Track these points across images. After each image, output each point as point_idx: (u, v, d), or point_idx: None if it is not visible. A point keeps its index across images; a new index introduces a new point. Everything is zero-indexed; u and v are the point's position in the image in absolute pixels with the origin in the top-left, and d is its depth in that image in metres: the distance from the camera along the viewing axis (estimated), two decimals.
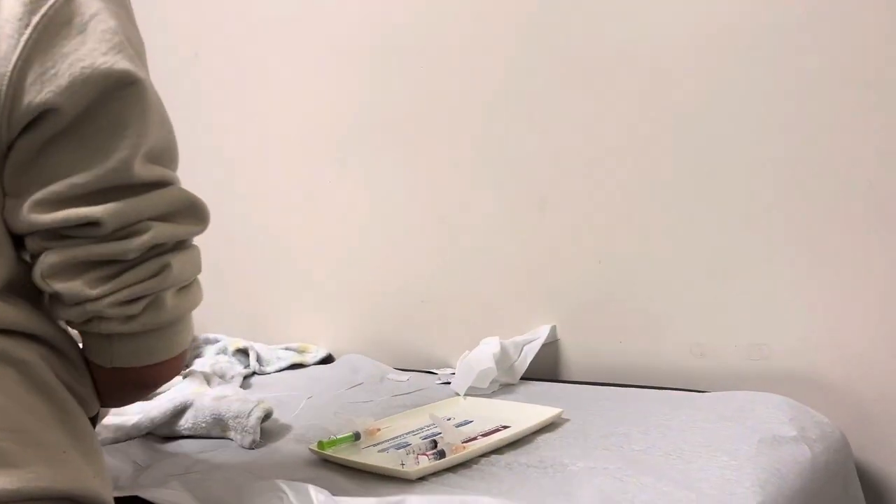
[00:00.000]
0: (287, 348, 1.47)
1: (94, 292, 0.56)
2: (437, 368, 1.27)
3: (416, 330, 1.36)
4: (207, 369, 1.33)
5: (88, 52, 0.55)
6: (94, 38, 0.56)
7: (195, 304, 0.63)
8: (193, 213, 0.61)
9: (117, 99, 0.56)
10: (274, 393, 1.17)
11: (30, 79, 0.54)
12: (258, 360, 1.41)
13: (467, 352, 1.13)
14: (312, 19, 1.45)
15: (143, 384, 0.64)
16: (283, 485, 0.65)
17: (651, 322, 1.08)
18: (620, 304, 1.10)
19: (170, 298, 0.59)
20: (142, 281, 0.57)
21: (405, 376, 1.23)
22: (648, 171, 1.06)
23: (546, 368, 1.16)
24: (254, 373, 1.39)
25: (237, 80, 1.59)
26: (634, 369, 1.08)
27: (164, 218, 0.58)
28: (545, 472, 0.73)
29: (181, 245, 0.60)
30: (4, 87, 0.53)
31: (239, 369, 1.37)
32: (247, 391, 1.18)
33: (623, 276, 1.10)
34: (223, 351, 1.43)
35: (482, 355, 1.07)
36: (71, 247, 0.56)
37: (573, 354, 1.16)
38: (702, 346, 1.04)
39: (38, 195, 0.55)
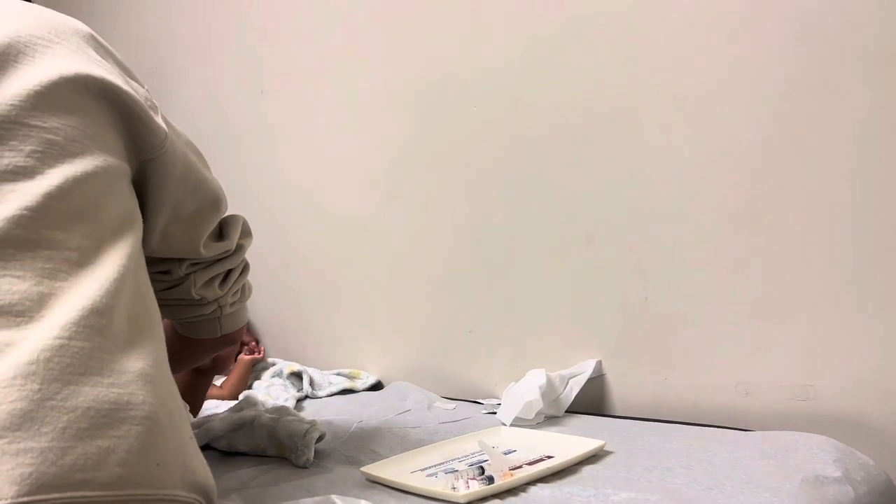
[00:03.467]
0: (339, 373, 1.52)
1: (223, 292, 0.92)
2: (483, 398, 1.30)
3: (462, 359, 1.39)
4: (263, 392, 1.39)
5: None
6: None
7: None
8: (247, 230, 0.94)
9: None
10: (326, 416, 1.21)
11: None
12: (311, 384, 1.46)
13: (513, 383, 1.16)
14: (366, 60, 1.52)
15: (233, 341, 1.00)
16: (338, 500, 0.69)
17: (696, 360, 1.09)
18: (666, 341, 1.12)
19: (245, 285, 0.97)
20: (237, 279, 0.93)
21: (452, 405, 1.26)
22: (694, 211, 1.09)
23: (591, 402, 1.17)
24: (306, 396, 1.44)
25: (297, 117, 1.66)
26: (679, 406, 1.10)
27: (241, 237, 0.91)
28: (588, 502, 0.75)
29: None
30: None
31: (293, 392, 1.42)
32: (300, 413, 1.22)
33: (669, 314, 1.12)
34: (279, 374, 1.49)
35: (528, 387, 1.10)
36: (208, 267, 0.89)
37: (618, 389, 1.17)
38: (746, 384, 1.05)
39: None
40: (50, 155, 0.60)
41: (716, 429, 1.00)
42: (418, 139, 1.44)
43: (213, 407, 1.31)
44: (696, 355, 1.09)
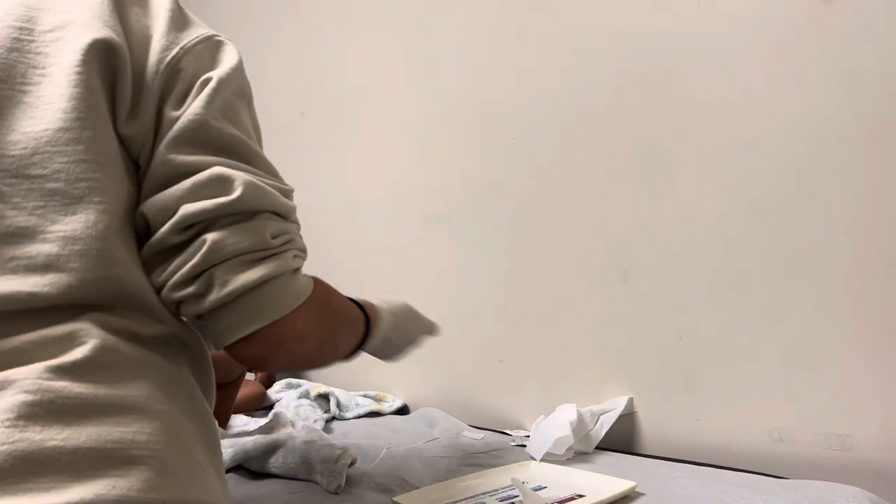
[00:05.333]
0: (365, 395, 1.53)
1: (157, 282, 0.61)
2: (511, 429, 1.30)
3: (490, 389, 1.39)
4: (291, 411, 1.40)
5: None
6: None
7: (271, 274, 0.61)
8: (227, 186, 0.60)
9: None
10: (354, 440, 1.22)
11: None
12: (338, 405, 1.47)
13: (542, 416, 1.16)
14: (408, 88, 1.54)
15: (245, 362, 0.66)
16: None
17: (729, 402, 1.08)
18: (699, 382, 1.12)
19: (222, 274, 0.59)
20: (187, 262, 0.59)
21: (479, 434, 1.26)
22: (732, 253, 1.08)
23: (621, 439, 1.17)
24: (333, 417, 1.45)
25: (336, 141, 1.69)
26: (711, 448, 1.09)
27: (197, 200, 0.59)
28: None
29: (219, 222, 0.60)
30: None
31: (320, 413, 1.43)
32: (329, 436, 1.23)
33: (703, 355, 1.11)
34: (305, 395, 1.50)
35: (559, 422, 1.10)
36: (145, 245, 0.61)
37: (648, 427, 1.17)
38: (780, 430, 1.04)
39: None
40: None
41: (748, 474, 0.99)
42: (456, 168, 1.45)
43: (243, 424, 1.32)
44: (730, 398, 1.08)
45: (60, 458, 0.50)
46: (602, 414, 1.15)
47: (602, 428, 1.13)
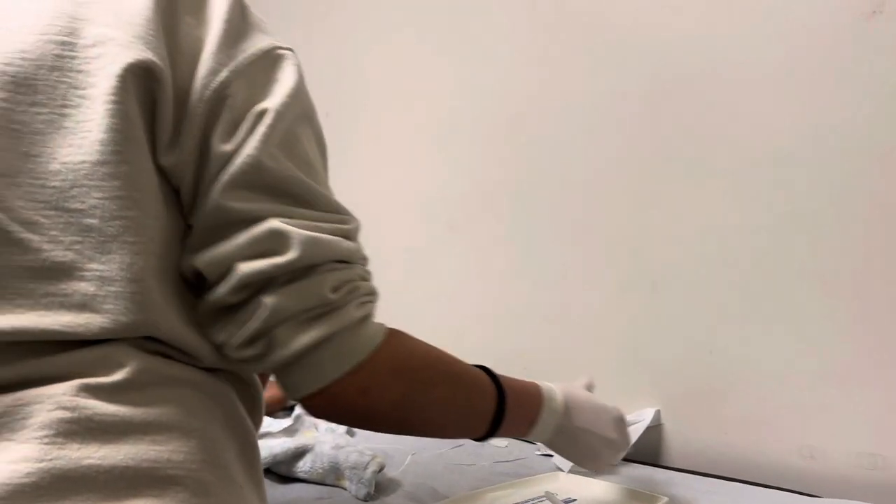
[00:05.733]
0: None
1: (218, 339, 0.59)
2: None
3: None
4: None
5: None
6: None
7: (331, 332, 0.59)
8: (284, 244, 0.57)
9: None
10: (377, 444, 1.22)
11: None
12: None
13: None
14: (433, 91, 1.53)
15: (313, 413, 0.64)
16: None
17: (759, 418, 1.08)
18: (728, 396, 1.11)
19: (283, 334, 0.57)
20: (245, 323, 0.57)
21: (504, 442, 1.26)
22: (765, 267, 1.08)
23: (647, 451, 1.16)
24: None
25: (359, 142, 1.69)
26: (739, 463, 1.08)
27: (254, 257, 0.56)
28: None
29: (276, 281, 0.57)
30: None
31: None
32: (352, 439, 1.23)
33: (733, 369, 1.11)
34: None
35: None
36: (201, 298, 0.59)
37: (675, 439, 1.16)
38: (811, 448, 1.03)
39: None
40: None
41: (779, 491, 0.98)
42: (480, 174, 1.45)
43: (266, 426, 1.32)
44: (760, 413, 1.08)
45: (97, 477, 0.49)
46: (629, 426, 1.14)
47: (632, 438, 1.12)
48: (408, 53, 1.59)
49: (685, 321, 1.16)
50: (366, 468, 0.97)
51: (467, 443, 1.24)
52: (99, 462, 0.49)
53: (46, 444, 0.49)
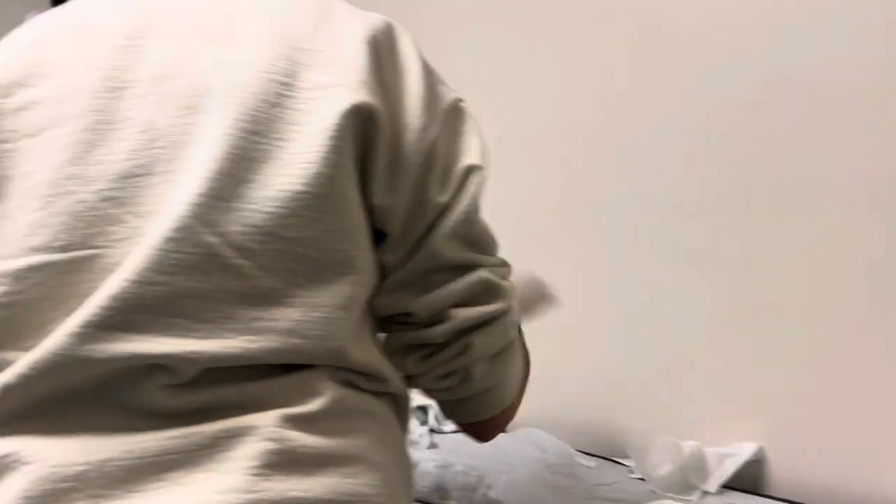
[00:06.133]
0: None
1: (409, 368, 0.65)
2: (618, 457, 1.27)
3: (596, 412, 1.37)
4: None
5: None
6: None
7: (513, 368, 0.70)
8: (492, 294, 0.65)
9: None
10: (464, 458, 1.20)
11: None
12: (436, 418, 1.45)
13: (657, 451, 1.14)
14: (521, 99, 1.51)
15: (467, 433, 0.77)
16: None
17: (871, 453, 1.05)
18: (839, 430, 1.08)
19: (478, 370, 0.66)
20: (449, 360, 0.65)
21: (592, 462, 1.24)
22: (883, 295, 1.05)
23: (747, 478, 1.14)
24: (431, 430, 1.43)
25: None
26: (849, 496, 1.06)
27: (465, 303, 0.63)
28: None
29: (483, 323, 0.65)
30: None
31: (418, 425, 1.41)
32: (432, 451, 1.22)
33: (844, 402, 1.07)
34: None
35: (688, 460, 1.07)
36: (397, 332, 0.65)
37: (778, 469, 1.14)
38: None
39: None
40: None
41: None
42: (564, 184, 1.42)
43: None
44: (872, 449, 1.05)
45: None
46: (727, 458, 1.12)
47: (727, 471, 1.10)
48: (498, 57, 1.57)
49: (794, 351, 1.13)
50: (475, 490, 0.95)
51: (557, 462, 1.22)
52: (302, 495, 0.50)
53: (253, 475, 0.49)
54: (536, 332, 1.46)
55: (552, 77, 1.46)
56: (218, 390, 0.52)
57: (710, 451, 1.10)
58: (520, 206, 1.51)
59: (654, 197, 1.29)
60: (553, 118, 1.46)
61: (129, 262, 0.52)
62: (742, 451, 1.12)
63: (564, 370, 1.41)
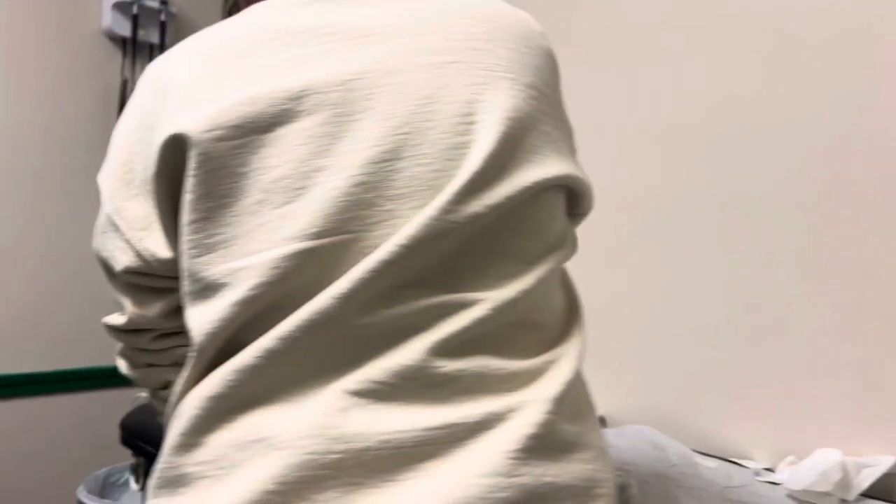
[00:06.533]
0: None
1: None
2: (735, 457, 1.25)
3: (709, 411, 1.35)
4: None
5: None
6: None
7: None
8: None
9: None
10: None
11: None
12: None
13: (792, 457, 1.11)
14: (654, 95, 1.49)
15: None
16: None
17: None
18: None
19: None
20: None
21: (713, 463, 1.22)
22: None
23: (883, 489, 1.11)
24: None
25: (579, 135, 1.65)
26: None
27: None
28: None
29: None
30: None
31: None
32: None
33: None
34: None
35: (826, 467, 1.05)
36: None
37: None
38: None
39: None
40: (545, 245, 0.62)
41: None
42: (691, 180, 1.39)
43: None
44: None
45: (552, 495, 0.51)
46: (864, 467, 1.09)
47: (864, 481, 1.07)
48: (635, 55, 1.55)
49: None
50: (623, 491, 0.94)
51: (679, 462, 1.21)
52: (554, 480, 0.52)
53: (513, 459, 0.51)
54: (639, 321, 1.44)
55: (693, 72, 1.43)
56: (480, 360, 0.54)
57: (848, 461, 1.07)
58: (643, 194, 1.49)
59: (785, 198, 1.26)
60: (687, 112, 1.43)
61: (403, 230, 0.54)
62: (880, 463, 1.09)
63: (666, 367, 1.40)
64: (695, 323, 1.37)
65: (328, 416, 0.52)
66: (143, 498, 1.63)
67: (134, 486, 1.40)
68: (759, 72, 1.30)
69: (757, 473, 1.17)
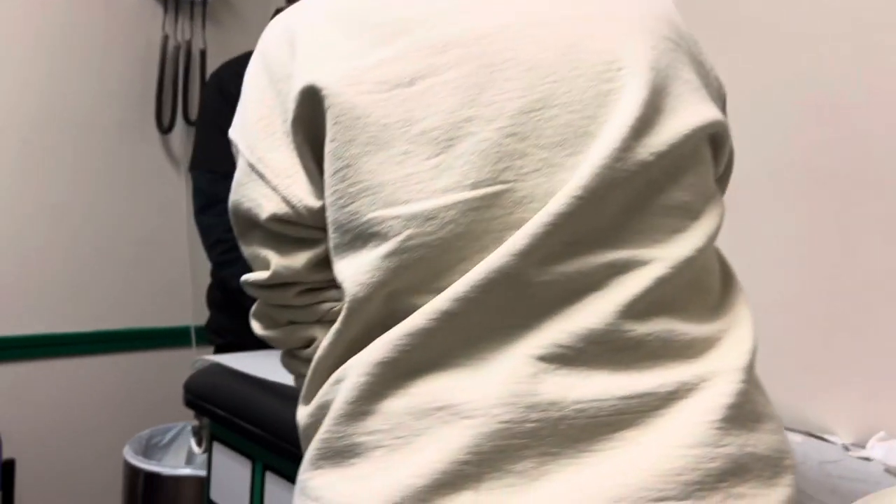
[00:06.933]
0: None
1: None
2: (821, 433, 1.23)
3: (787, 383, 1.31)
4: None
5: None
6: None
7: None
8: None
9: None
10: None
11: None
12: None
13: (884, 433, 1.10)
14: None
15: None
16: None
17: None
18: None
19: None
20: None
21: (798, 437, 1.20)
22: None
23: None
24: None
25: None
26: None
27: None
28: None
29: None
30: None
31: None
32: None
33: None
34: None
35: None
36: None
37: None
38: None
39: None
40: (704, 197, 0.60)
41: None
42: (788, 155, 1.35)
43: None
44: None
45: (752, 465, 0.50)
46: None
47: None
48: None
49: None
50: None
51: None
52: (753, 450, 0.51)
53: (717, 429, 0.50)
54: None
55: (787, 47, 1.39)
56: (665, 323, 0.53)
57: None
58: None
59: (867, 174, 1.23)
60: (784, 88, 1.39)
61: (574, 180, 0.52)
62: None
63: (771, 351, 1.37)
64: (776, 296, 1.34)
65: (519, 382, 0.50)
66: (203, 461, 1.62)
67: (196, 448, 1.38)
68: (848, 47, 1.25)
69: (846, 449, 1.15)
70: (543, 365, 0.50)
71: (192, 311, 2.16)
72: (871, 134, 1.23)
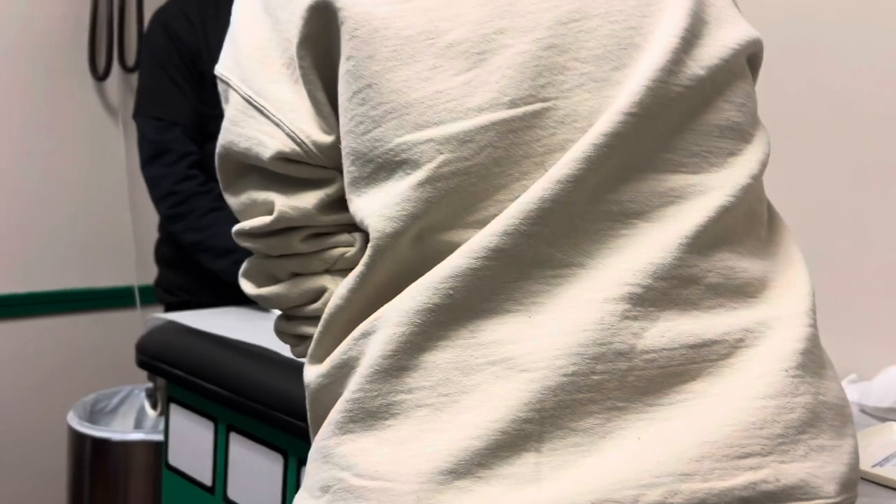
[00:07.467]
0: None
1: None
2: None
3: None
4: None
5: None
6: None
7: None
8: None
9: None
10: None
11: None
12: None
13: (855, 376, 1.10)
14: None
15: None
16: None
17: None
18: None
19: None
20: None
21: None
22: None
23: None
24: None
25: None
26: None
27: None
28: None
29: None
30: None
31: None
32: None
33: None
34: None
35: None
36: None
37: None
38: None
39: None
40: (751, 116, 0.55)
41: None
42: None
43: None
44: None
45: (824, 414, 0.48)
46: None
47: None
48: None
49: None
50: None
51: None
52: (824, 398, 0.48)
53: (792, 377, 0.46)
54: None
55: None
56: (724, 259, 0.49)
57: None
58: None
59: None
60: None
61: (624, 97, 0.47)
62: None
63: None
64: None
65: (585, 329, 0.45)
66: (154, 425, 1.54)
67: (151, 411, 1.30)
68: None
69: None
70: (610, 307, 0.45)
71: (136, 270, 2.04)
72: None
